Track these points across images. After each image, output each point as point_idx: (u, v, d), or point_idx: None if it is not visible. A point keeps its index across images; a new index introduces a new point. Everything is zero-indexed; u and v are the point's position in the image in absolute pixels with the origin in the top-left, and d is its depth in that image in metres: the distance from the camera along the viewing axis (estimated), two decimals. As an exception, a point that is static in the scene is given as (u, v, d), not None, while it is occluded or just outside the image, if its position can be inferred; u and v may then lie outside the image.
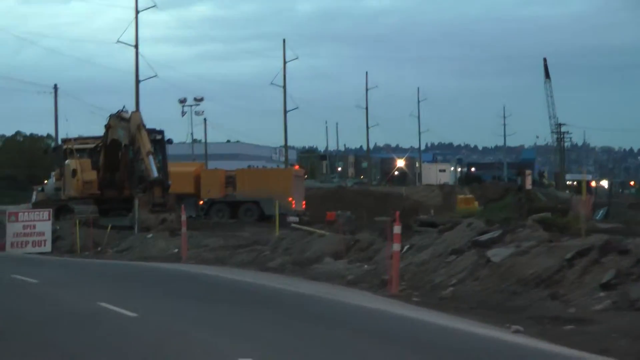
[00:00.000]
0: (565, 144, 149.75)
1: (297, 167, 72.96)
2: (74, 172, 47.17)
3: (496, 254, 21.67)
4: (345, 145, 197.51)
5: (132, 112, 44.35)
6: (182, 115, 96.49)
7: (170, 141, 47.99)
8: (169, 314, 17.43)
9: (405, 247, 25.12)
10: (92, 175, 47.06)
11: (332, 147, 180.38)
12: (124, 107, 44.61)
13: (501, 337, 15.02)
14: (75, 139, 49.30)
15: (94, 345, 13.92)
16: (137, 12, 69.67)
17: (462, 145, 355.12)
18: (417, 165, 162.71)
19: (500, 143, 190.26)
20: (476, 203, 73.06)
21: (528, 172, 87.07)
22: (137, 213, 41.09)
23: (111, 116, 44.73)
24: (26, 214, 42.20)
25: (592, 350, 13.54)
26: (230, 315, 17.41)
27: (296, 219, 56.77)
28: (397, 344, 14.36)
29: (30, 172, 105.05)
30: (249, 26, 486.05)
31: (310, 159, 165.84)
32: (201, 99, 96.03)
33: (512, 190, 53.59)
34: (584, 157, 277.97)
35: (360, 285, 23.19)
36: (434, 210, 71.61)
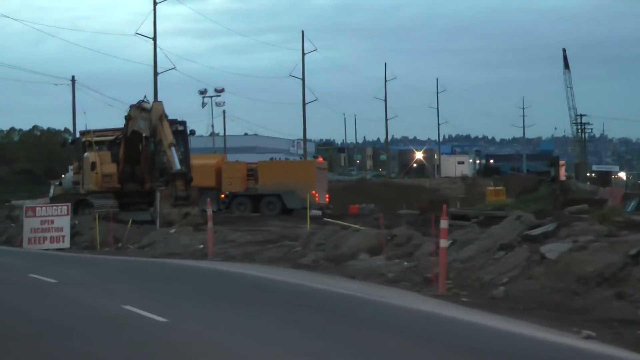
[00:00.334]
0: (584, 135, 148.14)
1: (320, 159, 71.42)
2: (93, 165, 45.58)
3: (551, 249, 20.09)
4: (365, 137, 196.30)
5: (154, 102, 42.64)
6: (203, 107, 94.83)
7: (192, 132, 46.35)
8: (202, 320, 15.83)
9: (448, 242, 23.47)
10: (111, 168, 45.43)
11: (349, 139, 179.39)
12: (144, 97, 43.05)
13: (571, 343, 13.57)
14: (94, 131, 47.53)
15: (123, 356, 12.46)
16: (156, 3, 68.65)
17: (480, 137, 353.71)
18: (435, 157, 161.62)
19: (518, 135, 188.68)
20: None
21: (562, 162, 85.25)
22: (159, 207, 39.52)
23: (132, 107, 43.07)
24: (44, 208, 40.66)
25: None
26: (271, 320, 15.79)
27: (319, 212, 55.52)
28: (456, 351, 12.99)
29: (47, 166, 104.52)
30: (266, 19, 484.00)
31: (329, 151, 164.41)
32: (222, 90, 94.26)
33: (545, 181, 51.95)
34: (602, 148, 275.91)
35: (401, 284, 21.67)
36: (459, 203, 70.21)
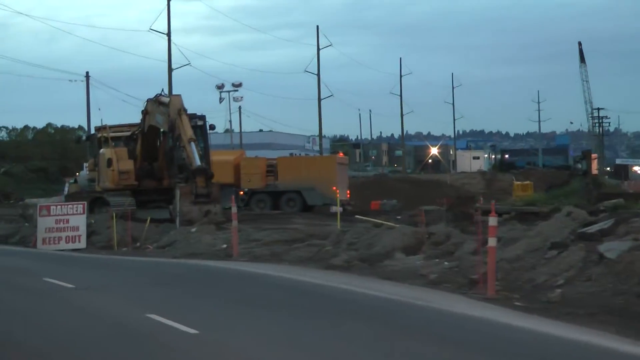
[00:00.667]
0: (602, 129, 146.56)
1: (341, 154, 69.83)
2: (109, 161, 44.02)
3: (610, 248, 18.58)
4: (381, 132, 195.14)
5: (172, 96, 40.93)
6: (220, 102, 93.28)
7: (212, 127, 44.63)
8: (238, 331, 14.19)
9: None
10: (128, 164, 43.80)
11: (362, 135, 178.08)
12: (162, 90, 41.42)
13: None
14: (110, 127, 45.89)
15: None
16: (169, -2, 67.63)
17: (494, 131, 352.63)
18: (451, 152, 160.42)
19: (531, 129, 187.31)
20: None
21: (594, 155, 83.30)
22: (179, 205, 37.95)
23: (149, 101, 41.40)
24: (59, 207, 39.07)
25: None
26: (315, 330, 14.22)
27: (340, 209, 54.05)
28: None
29: (61, 164, 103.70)
30: (278, 16, 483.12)
31: (344, 147, 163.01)
32: (239, 85, 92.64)
33: (576, 175, 50.28)
34: (616, 142, 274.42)
35: (444, 286, 20.16)
36: (482, 198, 68.69)
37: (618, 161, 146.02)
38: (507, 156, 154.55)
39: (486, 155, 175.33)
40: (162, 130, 41.40)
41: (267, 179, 56.33)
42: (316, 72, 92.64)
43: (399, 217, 40.32)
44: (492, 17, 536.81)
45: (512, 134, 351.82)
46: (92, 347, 13.02)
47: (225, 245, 30.33)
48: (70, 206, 38.88)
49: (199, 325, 14.29)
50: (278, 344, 12.94)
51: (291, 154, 70.41)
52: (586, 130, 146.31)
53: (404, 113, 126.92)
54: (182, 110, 39.03)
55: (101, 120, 49.90)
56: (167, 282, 22.35)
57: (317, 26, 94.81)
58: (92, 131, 52.78)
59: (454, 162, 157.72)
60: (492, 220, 18.59)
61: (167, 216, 40.58)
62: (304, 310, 16.44)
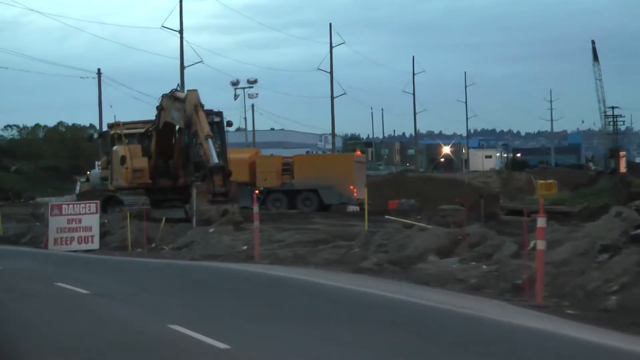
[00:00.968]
0: (613, 128, 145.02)
1: (358, 152, 68.46)
2: (123, 159, 42.62)
3: (669, 251, 17.12)
4: (394, 131, 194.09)
5: (188, 91, 39.43)
6: (235, 99, 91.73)
7: (230, 123, 43.26)
8: (274, 346, 12.74)
9: (532, 243, 20.41)
10: (142, 162, 42.35)
11: (374, 133, 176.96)
12: (177, 85, 40.14)
13: None
14: (124, 124, 44.42)
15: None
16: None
17: (505, 130, 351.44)
18: (463, 151, 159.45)
19: (543, 128, 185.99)
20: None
21: (622, 153, 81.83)
22: (195, 204, 36.54)
23: (164, 96, 39.94)
24: (71, 206, 37.74)
25: None
26: (359, 345, 12.78)
27: (357, 208, 52.87)
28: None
29: (73, 162, 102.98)
30: (289, 14, 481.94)
31: (357, 145, 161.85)
32: (255, 81, 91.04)
33: (604, 174, 48.98)
34: (627, 141, 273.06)
35: (485, 292, 18.81)
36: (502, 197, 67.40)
37: (638, 160, 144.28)
38: (519, 155, 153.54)
39: (498, 154, 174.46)
40: (177, 126, 40.02)
41: (283, 178, 55.15)
42: (329, 70, 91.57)
43: (419, 217, 39.00)
44: (504, 15, 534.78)
45: (523, 133, 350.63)
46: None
47: (245, 247, 28.92)
48: (82, 205, 37.59)
49: (229, 338, 12.90)
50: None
51: (307, 152, 69.06)
52: (597, 129, 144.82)
53: (417, 112, 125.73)
54: (198, 105, 37.62)
55: (114, 117, 48.32)
56: (188, 288, 20.93)
57: (330, 24, 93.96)
58: (104, 128, 51.52)
59: (467, 161, 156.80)
60: (541, 221, 17.25)
61: (183, 216, 39.24)
62: (343, 321, 15.01)
